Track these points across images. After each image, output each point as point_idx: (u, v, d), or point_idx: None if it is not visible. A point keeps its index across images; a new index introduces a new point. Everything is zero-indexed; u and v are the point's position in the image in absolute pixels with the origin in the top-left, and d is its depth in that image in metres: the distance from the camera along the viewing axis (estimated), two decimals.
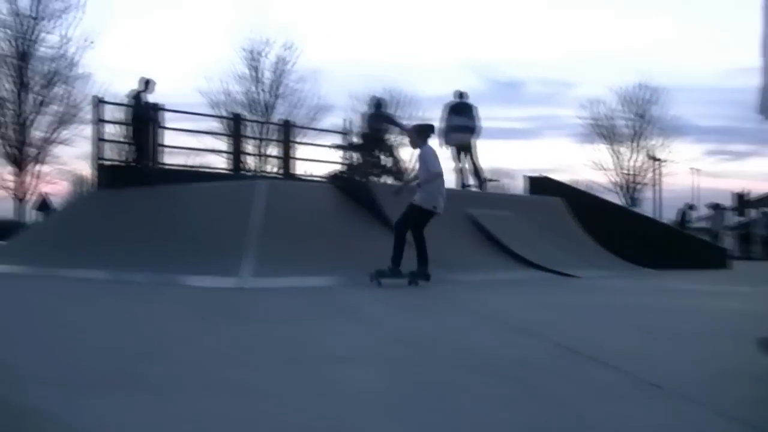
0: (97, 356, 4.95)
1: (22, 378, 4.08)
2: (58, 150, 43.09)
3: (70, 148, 45.57)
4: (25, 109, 41.33)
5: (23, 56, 41.19)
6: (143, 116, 18.13)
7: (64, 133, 42.54)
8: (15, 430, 3.10)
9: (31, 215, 40.75)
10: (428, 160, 11.93)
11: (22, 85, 41.24)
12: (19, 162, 41.31)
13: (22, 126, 41.19)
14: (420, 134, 12.32)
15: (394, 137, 21.13)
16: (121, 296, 10.52)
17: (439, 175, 11.94)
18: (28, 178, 42.08)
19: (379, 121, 20.10)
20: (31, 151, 41.81)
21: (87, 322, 7.41)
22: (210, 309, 8.81)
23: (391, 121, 21.27)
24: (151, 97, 18.32)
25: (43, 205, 40.11)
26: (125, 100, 18.67)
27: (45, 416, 3.24)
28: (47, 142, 42.23)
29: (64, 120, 42.28)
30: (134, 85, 18.18)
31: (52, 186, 44.90)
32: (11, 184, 41.96)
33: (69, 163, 45.61)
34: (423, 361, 4.97)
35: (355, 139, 22.20)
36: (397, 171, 20.40)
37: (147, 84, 18.11)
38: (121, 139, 22.13)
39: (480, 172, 19.69)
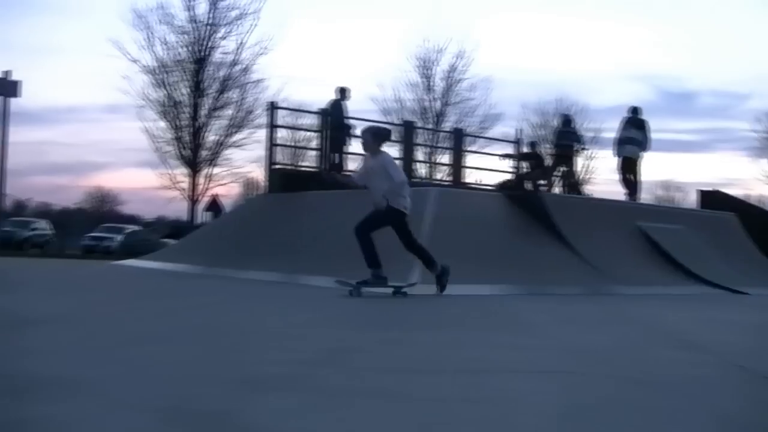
0: (276, 358, 5.03)
1: (201, 378, 4.19)
2: (230, 153, 44.09)
3: (242, 152, 46.36)
4: (200, 113, 42.53)
5: (199, 62, 42.39)
6: (341, 124, 18.44)
7: (237, 137, 43.52)
8: (192, 427, 3.18)
9: (202, 216, 41.82)
10: (390, 168, 11.19)
11: (197, 89, 42.45)
12: (193, 164, 42.48)
13: (197, 129, 42.38)
14: (376, 139, 11.59)
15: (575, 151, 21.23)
16: (295, 299, 10.71)
17: (404, 183, 11.16)
18: (200, 180, 43.25)
19: (568, 138, 20.35)
20: (205, 153, 42.95)
21: (261, 323, 7.57)
22: (380, 315, 8.89)
23: (578, 137, 21.45)
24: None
25: (214, 206, 41.08)
26: (325, 108, 19.05)
27: (219, 416, 3.31)
28: (220, 145, 43.30)
29: (238, 124, 43.23)
30: (306, 92, 18.66)
31: (223, 188, 45.91)
32: (185, 186, 43.21)
33: (240, 166, 46.45)
34: (597, 375, 4.86)
35: (526, 149, 22.30)
36: (574, 183, 20.44)
37: (343, 92, 18.45)
38: (291, 144, 22.58)
39: (637, 187, 19.57)
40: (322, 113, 19.37)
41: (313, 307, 9.47)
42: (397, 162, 13.89)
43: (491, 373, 4.79)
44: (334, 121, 18.40)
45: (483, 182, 22.20)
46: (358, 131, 18.46)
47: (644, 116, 19.54)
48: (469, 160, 24.80)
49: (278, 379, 4.19)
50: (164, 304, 9.43)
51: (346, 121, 18.46)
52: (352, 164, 20.68)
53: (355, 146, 19.19)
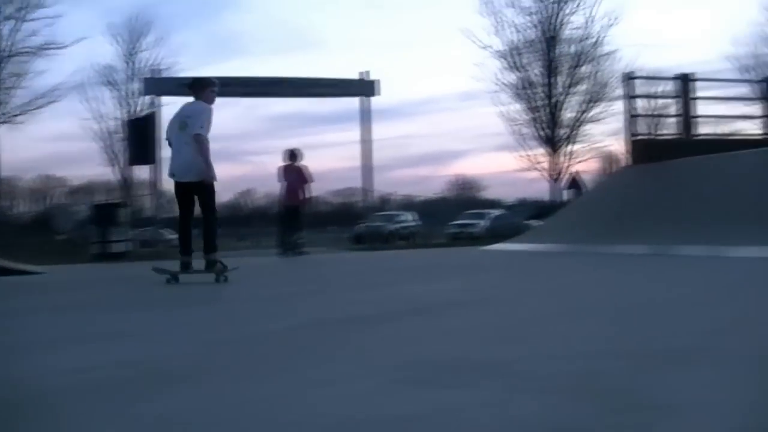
0: (671, 330, 4.94)
1: (604, 354, 4.16)
2: (588, 128, 43.93)
3: (600, 126, 45.80)
4: (555, 92, 42.70)
5: (550, 40, 42.57)
6: None
7: (594, 112, 43.29)
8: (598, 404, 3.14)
9: (564, 195, 41.86)
10: None
11: (550, 68, 42.64)
12: (551, 143, 42.74)
13: (554, 107, 42.57)
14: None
15: None
16: (669, 270, 10.55)
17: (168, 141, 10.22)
18: (560, 158, 43.40)
19: None
20: (563, 131, 43.05)
21: (651, 295, 7.50)
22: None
23: None
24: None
25: (575, 184, 41.03)
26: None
27: (625, 392, 3.26)
28: (577, 121, 43.27)
29: (593, 98, 42.99)
30: (660, 57, 18.23)
31: (583, 164, 45.76)
32: (545, 165, 43.56)
33: (598, 140, 46.08)
34: None
35: None
36: None
37: None
38: (650, 113, 22.17)
39: None
40: (682, 78, 18.84)
41: (694, 276, 9.28)
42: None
43: None
44: None
45: None
46: None
47: None
48: None
49: (684, 352, 4.10)
50: (548, 282, 9.55)
51: None
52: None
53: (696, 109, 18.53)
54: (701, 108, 19.61)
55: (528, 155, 44.01)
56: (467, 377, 3.61)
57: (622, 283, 8.98)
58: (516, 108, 43.28)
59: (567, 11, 42.70)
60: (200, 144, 9.72)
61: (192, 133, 9.69)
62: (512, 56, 42.92)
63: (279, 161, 18.46)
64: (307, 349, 4.55)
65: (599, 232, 15.69)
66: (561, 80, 42.87)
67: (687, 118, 18.70)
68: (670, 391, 3.20)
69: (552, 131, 42.63)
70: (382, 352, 4.42)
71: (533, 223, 32.71)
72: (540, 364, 3.86)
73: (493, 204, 63.99)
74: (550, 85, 42.65)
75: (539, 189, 47.27)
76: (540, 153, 43.59)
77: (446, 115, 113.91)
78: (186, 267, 9.89)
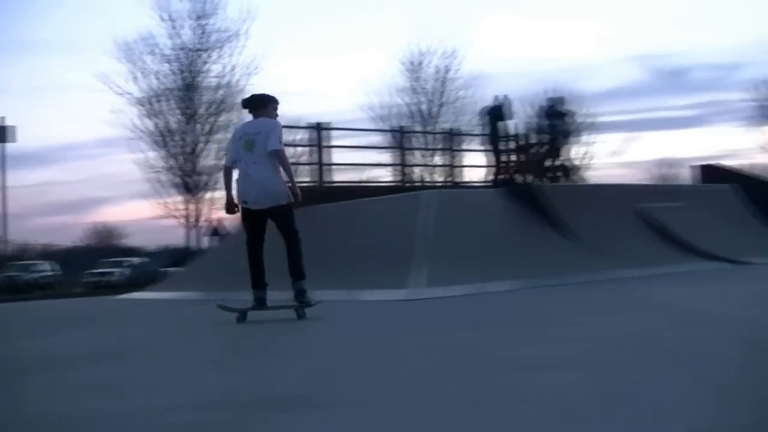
0: (284, 377, 5.04)
1: (222, 402, 4.20)
2: None
3: None
4: (193, 139, 42.64)
5: (189, 88, 42.52)
6: None
7: None
8: None
9: (204, 241, 41.79)
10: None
11: (189, 116, 42.56)
12: (190, 190, 42.59)
13: (191, 155, 42.48)
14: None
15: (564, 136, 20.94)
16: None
17: (229, 168, 9.48)
18: (200, 205, 43.33)
19: (555, 125, 20.08)
20: (201, 178, 43.03)
21: (273, 345, 7.57)
22: (387, 322, 8.90)
23: (563, 124, 20.94)
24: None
25: (216, 231, 41.04)
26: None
27: None
28: (216, 168, 43.39)
29: None
30: (302, 106, 18.74)
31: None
32: (183, 212, 43.33)
33: None
34: (622, 362, 4.84)
35: (512, 142, 21.99)
36: (567, 170, 20.15)
37: None
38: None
39: None
40: (316, 127, 19.40)
41: (319, 321, 9.45)
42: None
43: (520, 370, 4.72)
44: None
45: (480, 179, 22.26)
46: None
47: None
48: (467, 159, 24.67)
49: (295, 397, 4.18)
50: (179, 332, 9.46)
51: None
52: (337, 175, 20.62)
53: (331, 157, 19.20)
54: (336, 156, 20.32)
55: (166, 202, 43.67)
56: None
57: (247, 331, 8.96)
58: (154, 155, 42.87)
59: (208, 59, 42.94)
60: (282, 161, 9.16)
61: (266, 150, 8.97)
62: (150, 103, 42.51)
63: None
64: None
65: (238, 279, 15.73)
66: (200, 128, 42.94)
67: (321, 166, 19.28)
68: None
69: (191, 178, 42.51)
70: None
71: (171, 270, 32.49)
72: (156, 415, 3.86)
73: (135, 251, 63.08)
74: (188, 133, 42.58)
75: (180, 236, 47.02)
76: (179, 200, 43.37)
77: (86, 162, 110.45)
78: (261, 303, 9.50)
